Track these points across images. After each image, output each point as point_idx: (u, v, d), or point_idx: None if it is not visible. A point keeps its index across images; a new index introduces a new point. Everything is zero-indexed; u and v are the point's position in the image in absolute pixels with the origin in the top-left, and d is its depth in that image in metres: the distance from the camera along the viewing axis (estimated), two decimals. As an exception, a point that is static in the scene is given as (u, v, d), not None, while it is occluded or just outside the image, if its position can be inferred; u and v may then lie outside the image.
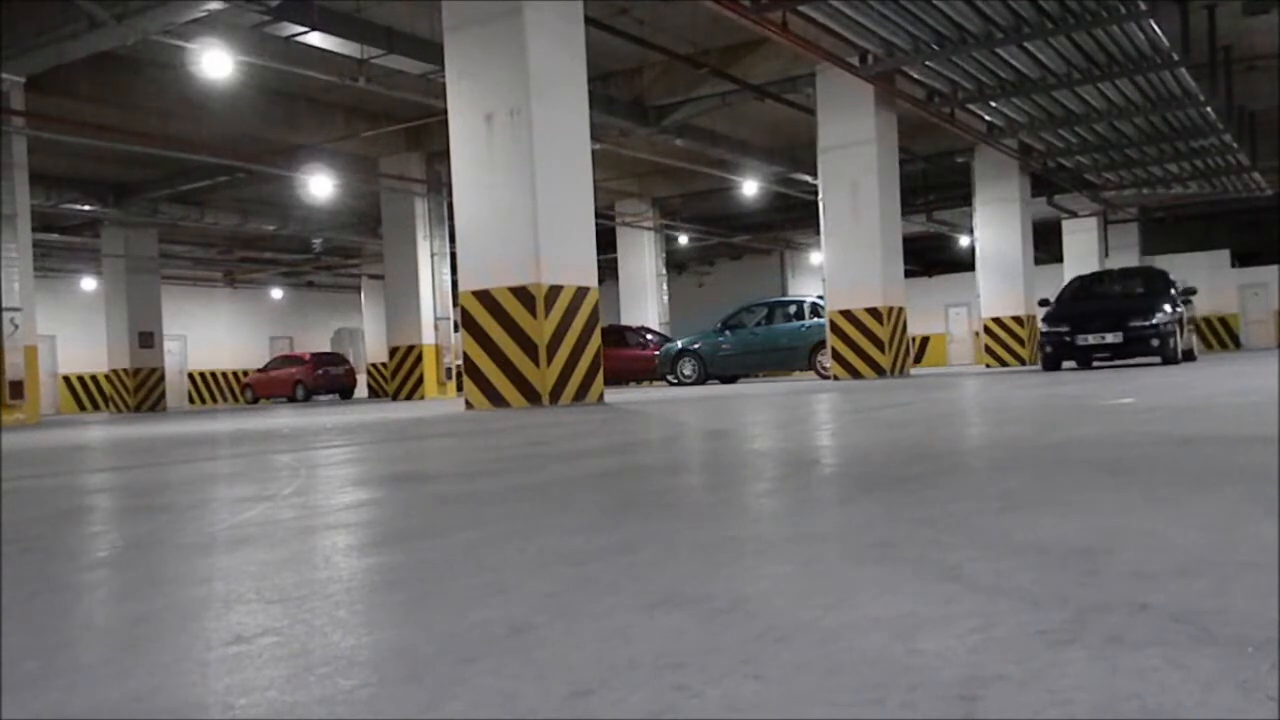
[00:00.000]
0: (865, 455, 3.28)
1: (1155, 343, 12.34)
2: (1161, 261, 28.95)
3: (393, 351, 19.03)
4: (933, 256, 30.75)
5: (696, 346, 18.00)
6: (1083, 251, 25.66)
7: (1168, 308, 12.73)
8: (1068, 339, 12.85)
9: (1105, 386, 7.38)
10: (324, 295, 35.83)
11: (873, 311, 14.30)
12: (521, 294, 8.95)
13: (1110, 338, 12.54)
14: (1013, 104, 14.78)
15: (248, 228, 23.19)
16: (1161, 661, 0.96)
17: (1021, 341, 19.99)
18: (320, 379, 27.02)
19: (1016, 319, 20.08)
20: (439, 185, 18.15)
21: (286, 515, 2.38)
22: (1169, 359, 12.52)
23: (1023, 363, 19.71)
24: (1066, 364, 13.51)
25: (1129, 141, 17.22)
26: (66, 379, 28.58)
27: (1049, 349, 13.17)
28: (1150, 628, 1.07)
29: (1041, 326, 13.55)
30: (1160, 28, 11.61)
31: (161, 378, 23.01)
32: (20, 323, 12.26)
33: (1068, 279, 26.45)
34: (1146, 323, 12.50)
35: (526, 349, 8.93)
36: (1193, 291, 14.41)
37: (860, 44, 12.27)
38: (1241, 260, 28.28)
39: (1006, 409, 5.35)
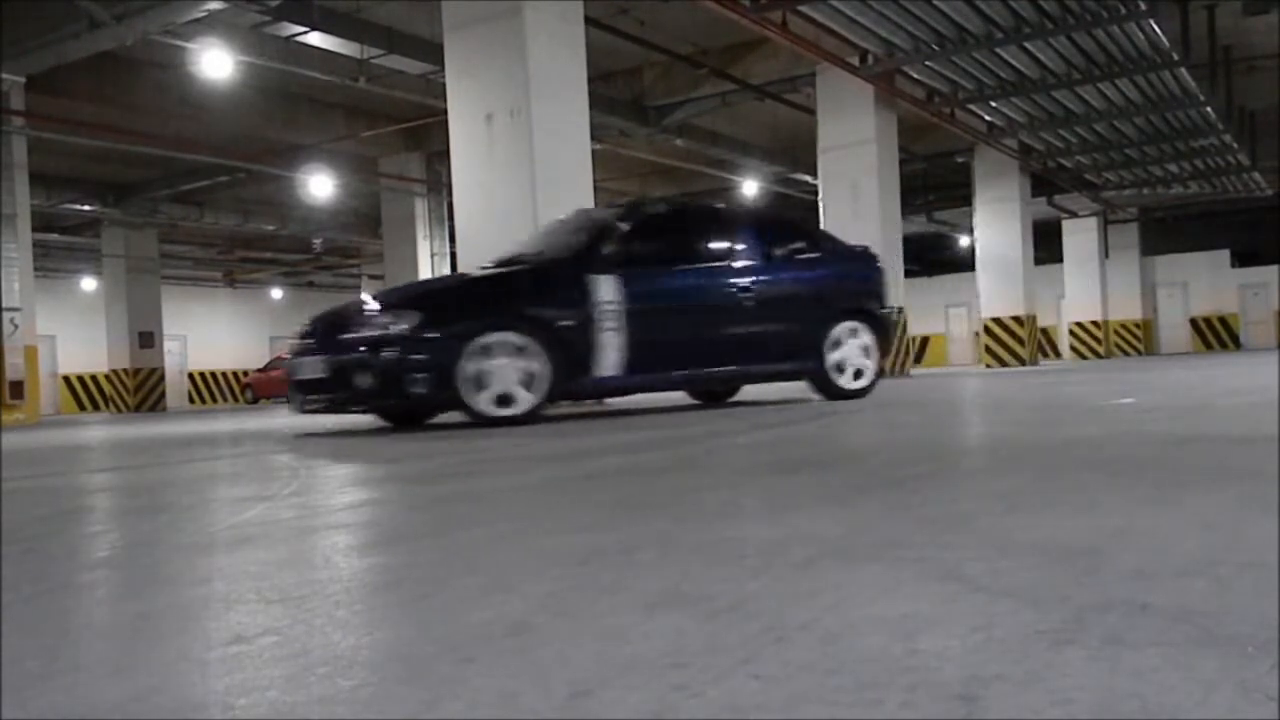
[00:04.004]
0: (865, 455, 3.28)
1: (384, 376, 5.64)
2: (1162, 262, 29.03)
3: (393, 351, 18.98)
4: (933, 256, 30.74)
5: (696, 346, 17.92)
6: (1083, 251, 25.70)
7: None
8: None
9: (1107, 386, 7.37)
10: (324, 295, 35.78)
11: (873, 311, 14.26)
12: (521, 294, 8.92)
13: (314, 368, 5.97)
14: (1013, 104, 14.78)
15: (248, 228, 23.18)
16: (1161, 661, 0.96)
17: (1021, 341, 20.00)
18: (320, 379, 26.93)
19: (1016, 319, 20.08)
20: (439, 185, 18.14)
21: (286, 515, 2.38)
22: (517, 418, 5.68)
23: (1023, 363, 19.72)
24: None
25: (1129, 141, 17.22)
26: (66, 379, 28.57)
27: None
28: (1150, 628, 1.07)
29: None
30: (1160, 28, 11.61)
31: (162, 378, 23.00)
32: (20, 323, 12.25)
33: (1067, 279, 26.78)
34: (368, 334, 5.83)
35: (526, 349, 8.89)
36: (793, 239, 7.51)
37: (860, 44, 12.27)
38: (1241, 260, 28.28)
39: (1006, 409, 5.35)
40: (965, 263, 25.37)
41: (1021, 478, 2.44)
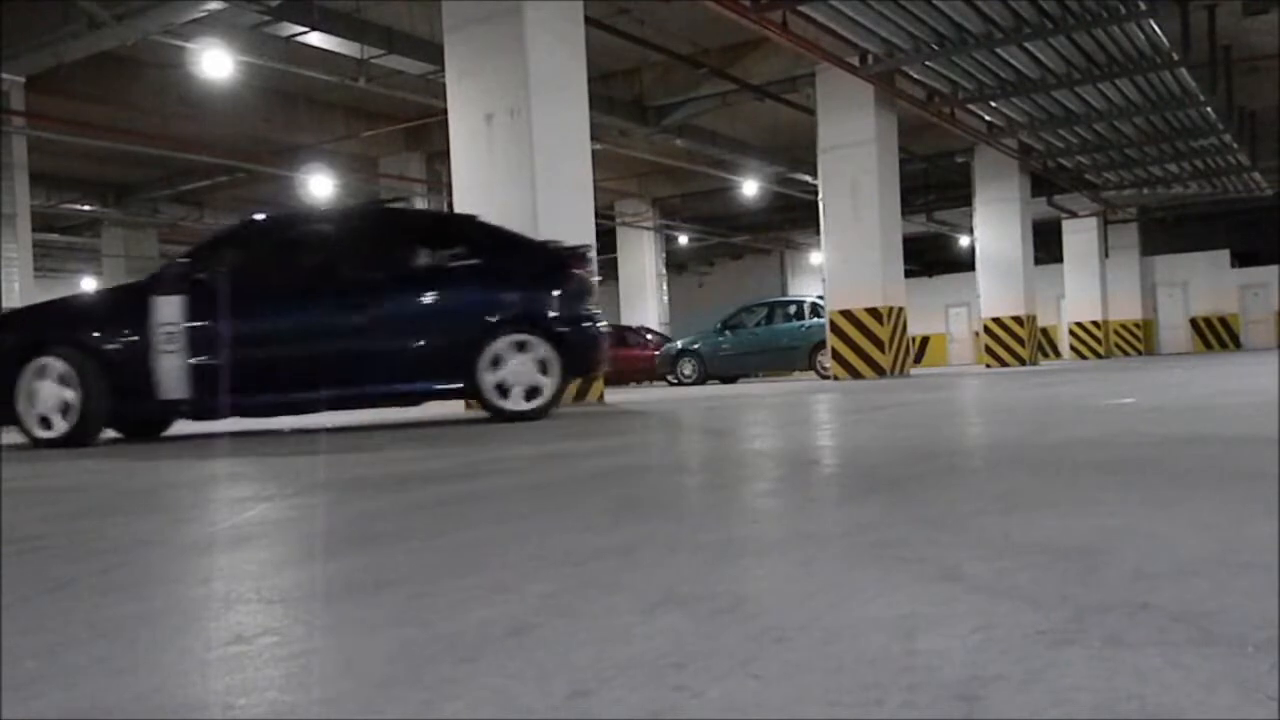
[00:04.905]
0: (865, 456, 3.28)
1: None
2: (1161, 262, 29.02)
3: (392, 352, 18.97)
4: (933, 256, 30.77)
5: (696, 346, 18.00)
6: (1083, 251, 25.69)
7: None
8: None
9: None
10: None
11: (873, 311, 14.29)
12: (521, 294, 8.91)
13: None
14: (1013, 104, 14.77)
15: (248, 228, 23.17)
16: (1161, 661, 0.96)
17: (1021, 341, 20.01)
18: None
19: (1016, 319, 20.09)
20: (439, 185, 18.14)
21: (287, 515, 2.37)
22: None
23: (1023, 363, 19.72)
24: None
25: (1129, 141, 17.21)
26: (66, 379, 28.55)
27: None
28: (1150, 628, 1.07)
29: None
30: (1160, 28, 11.61)
31: (161, 377, 22.98)
32: (20, 323, 12.24)
33: (1067, 279, 26.71)
34: None
35: (526, 349, 8.88)
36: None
37: (860, 44, 12.26)
38: (1241, 260, 28.28)
39: (1006, 409, 5.35)
40: (965, 263, 25.38)
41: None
